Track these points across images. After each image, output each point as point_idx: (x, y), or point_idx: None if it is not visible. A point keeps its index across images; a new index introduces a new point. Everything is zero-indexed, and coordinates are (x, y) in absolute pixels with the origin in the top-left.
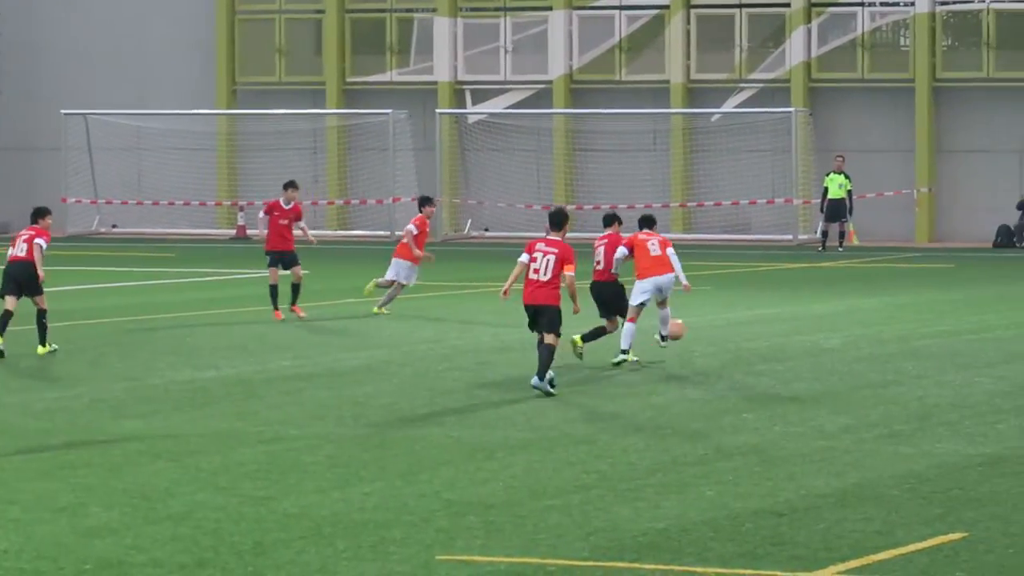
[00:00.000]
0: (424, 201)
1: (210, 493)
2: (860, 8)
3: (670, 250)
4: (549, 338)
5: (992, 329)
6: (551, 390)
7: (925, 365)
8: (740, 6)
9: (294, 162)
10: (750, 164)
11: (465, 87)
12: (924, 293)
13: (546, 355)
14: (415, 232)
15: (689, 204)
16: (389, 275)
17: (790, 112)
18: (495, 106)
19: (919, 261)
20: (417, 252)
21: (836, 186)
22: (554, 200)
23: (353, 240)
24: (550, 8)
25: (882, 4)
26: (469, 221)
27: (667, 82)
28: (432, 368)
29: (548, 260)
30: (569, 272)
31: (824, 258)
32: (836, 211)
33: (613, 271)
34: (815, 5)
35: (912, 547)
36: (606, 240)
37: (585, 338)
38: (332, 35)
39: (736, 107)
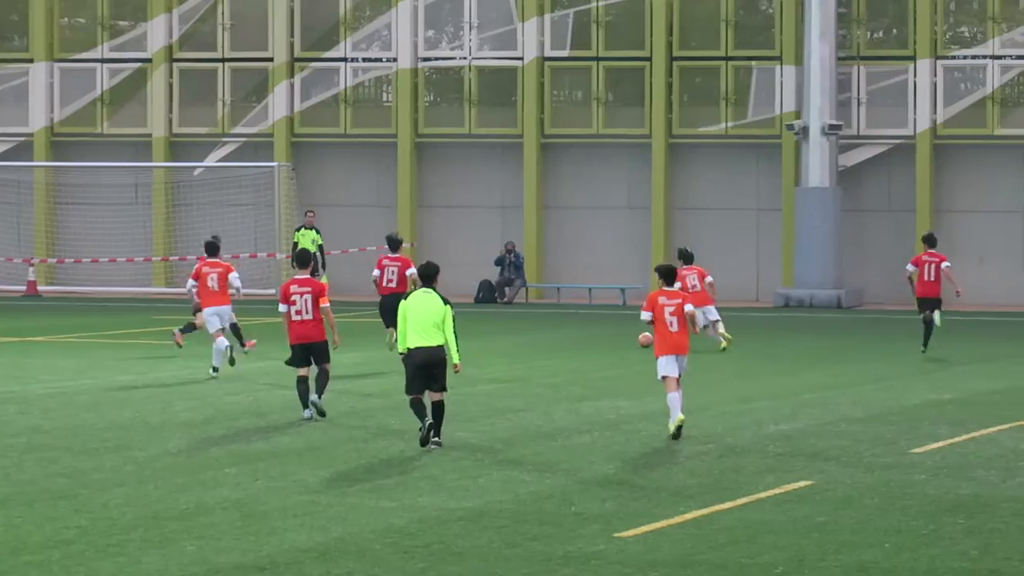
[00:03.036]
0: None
1: None
2: (343, 63)
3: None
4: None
5: (475, 383)
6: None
7: (407, 419)
8: (223, 60)
9: None
10: (234, 218)
11: None
12: None
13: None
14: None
15: (172, 258)
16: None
17: (273, 167)
18: None
19: None
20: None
21: (308, 241)
22: (35, 254)
23: None
24: (31, 60)
25: (364, 60)
26: None
27: (149, 135)
28: None
29: (306, 299)
30: (324, 304)
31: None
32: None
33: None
34: (298, 60)
35: None
36: (399, 262)
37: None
38: None
39: (219, 161)
